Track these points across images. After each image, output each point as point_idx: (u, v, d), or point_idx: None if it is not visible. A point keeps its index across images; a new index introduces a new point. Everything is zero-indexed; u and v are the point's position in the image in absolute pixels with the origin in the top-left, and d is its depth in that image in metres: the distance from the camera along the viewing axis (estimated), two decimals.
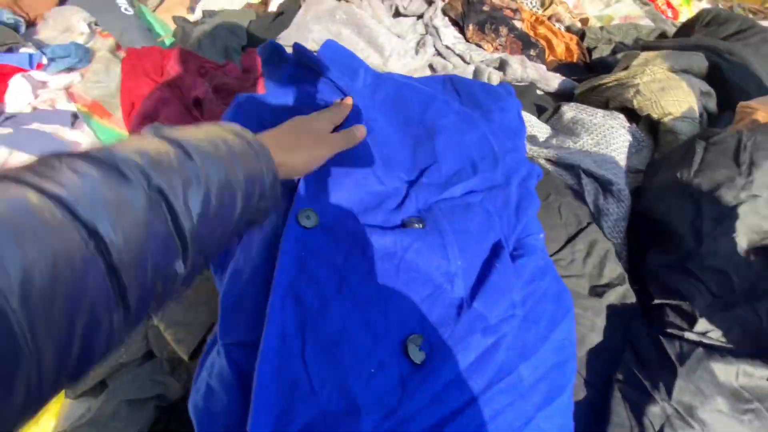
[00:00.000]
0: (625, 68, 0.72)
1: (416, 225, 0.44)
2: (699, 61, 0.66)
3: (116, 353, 0.64)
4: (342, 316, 0.38)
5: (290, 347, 0.35)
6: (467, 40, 0.90)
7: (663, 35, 1.16)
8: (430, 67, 0.88)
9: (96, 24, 1.33)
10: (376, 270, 0.41)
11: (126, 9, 1.35)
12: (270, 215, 0.35)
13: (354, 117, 0.51)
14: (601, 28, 1.23)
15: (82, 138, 1.09)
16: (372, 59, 0.82)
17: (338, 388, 0.35)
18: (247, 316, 0.38)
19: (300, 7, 1.00)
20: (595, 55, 1.12)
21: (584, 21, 1.39)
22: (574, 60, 1.07)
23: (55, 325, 0.15)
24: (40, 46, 1.18)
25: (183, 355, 0.57)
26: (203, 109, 0.81)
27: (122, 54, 1.36)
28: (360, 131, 0.47)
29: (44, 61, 1.12)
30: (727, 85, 0.66)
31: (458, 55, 0.87)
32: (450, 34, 0.89)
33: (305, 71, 0.56)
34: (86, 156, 0.21)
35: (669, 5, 1.61)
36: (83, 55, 1.21)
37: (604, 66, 1.01)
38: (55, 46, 1.18)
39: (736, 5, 1.58)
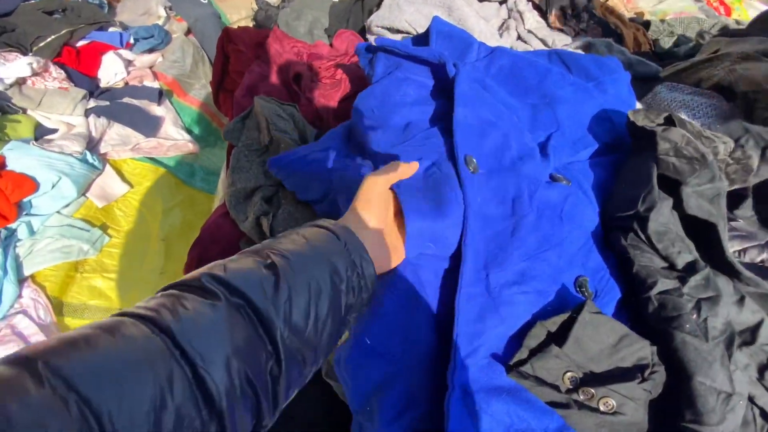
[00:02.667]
0: (714, 53, 0.75)
1: (564, 181, 0.48)
2: None
3: None
4: (521, 258, 0.41)
5: (479, 280, 0.40)
6: (549, 26, 0.94)
7: (724, 29, 1.18)
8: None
9: (170, 9, 1.40)
10: (543, 218, 0.44)
11: None
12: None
13: (468, 83, 0.55)
14: (662, 20, 1.25)
15: (166, 113, 1.16)
16: None
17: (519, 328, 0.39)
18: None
19: None
20: (658, 47, 1.15)
21: (639, 14, 1.42)
22: (643, 50, 1.10)
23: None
24: (123, 27, 1.25)
25: None
26: (301, 84, 0.86)
27: (193, 38, 1.43)
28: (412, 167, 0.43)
29: (131, 41, 1.18)
30: None
31: (540, 39, 0.91)
32: (533, 19, 0.93)
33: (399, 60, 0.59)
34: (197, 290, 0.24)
35: (721, 2, 1.63)
36: (164, 37, 1.28)
37: (674, 57, 1.04)
38: (138, 28, 1.25)
39: None
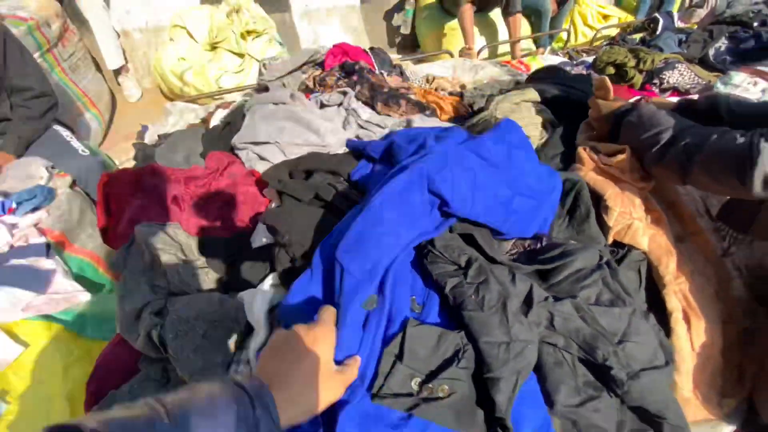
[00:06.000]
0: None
1: None
2: (531, 93, 0.98)
3: None
4: None
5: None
6: (378, 113, 1.19)
7: (518, 83, 1.56)
8: (357, 137, 1.14)
9: (53, 167, 1.48)
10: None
11: (83, 151, 1.52)
12: None
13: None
14: (475, 88, 1.62)
15: (56, 266, 1.18)
16: (312, 139, 1.06)
17: None
18: None
19: (244, 116, 1.25)
20: (476, 107, 1.49)
21: (462, 86, 1.81)
22: (460, 114, 1.42)
23: None
24: (5, 195, 1.29)
25: None
26: (180, 203, 0.97)
27: (79, 189, 1.51)
28: (357, 363, 0.45)
29: (13, 206, 1.23)
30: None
31: (376, 124, 1.15)
32: (366, 112, 1.17)
33: None
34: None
35: (521, 63, 2.15)
36: (47, 195, 1.34)
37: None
38: (20, 192, 1.30)
39: (571, 50, 2.14)
